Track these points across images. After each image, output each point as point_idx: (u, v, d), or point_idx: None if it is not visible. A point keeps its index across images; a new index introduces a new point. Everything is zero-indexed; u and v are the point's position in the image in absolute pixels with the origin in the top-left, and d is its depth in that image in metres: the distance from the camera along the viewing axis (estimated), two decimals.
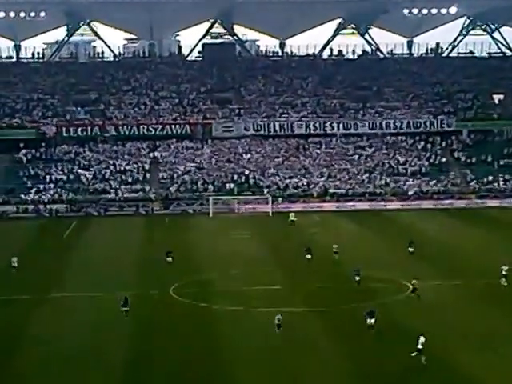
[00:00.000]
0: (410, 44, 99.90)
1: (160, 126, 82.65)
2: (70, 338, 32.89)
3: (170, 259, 45.68)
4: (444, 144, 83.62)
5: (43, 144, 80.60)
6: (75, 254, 51.66)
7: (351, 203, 72.66)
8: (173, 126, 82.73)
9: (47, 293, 40.68)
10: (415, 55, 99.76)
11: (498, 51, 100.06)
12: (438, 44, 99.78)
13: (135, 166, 78.27)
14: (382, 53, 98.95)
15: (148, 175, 77.18)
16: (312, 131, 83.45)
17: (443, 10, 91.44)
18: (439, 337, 31.77)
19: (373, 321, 32.14)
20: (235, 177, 76.39)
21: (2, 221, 68.84)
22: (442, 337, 31.94)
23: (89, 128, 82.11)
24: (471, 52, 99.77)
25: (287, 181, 76.15)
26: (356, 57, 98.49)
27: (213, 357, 30.14)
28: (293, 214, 63.70)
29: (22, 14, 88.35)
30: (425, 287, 39.54)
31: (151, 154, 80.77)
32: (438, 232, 58.79)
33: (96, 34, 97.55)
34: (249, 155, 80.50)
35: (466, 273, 43.54)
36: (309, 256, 45.94)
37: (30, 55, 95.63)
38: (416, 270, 44.23)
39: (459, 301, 38.16)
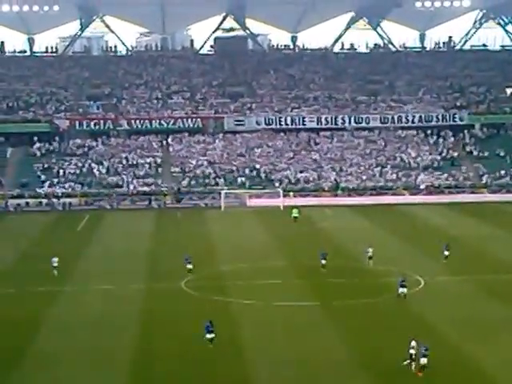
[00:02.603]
0: (422, 37, 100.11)
1: (172, 120, 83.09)
2: (83, 328, 33.38)
3: (190, 266, 42.59)
4: (456, 138, 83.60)
5: (56, 138, 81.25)
6: (88, 247, 52.07)
7: (362, 197, 72.83)
8: (185, 120, 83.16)
9: (61, 285, 41.07)
10: (427, 49, 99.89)
11: (511, 44, 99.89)
12: (450, 37, 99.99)
13: (147, 159, 78.73)
14: (394, 46, 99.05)
15: (160, 169, 77.62)
16: (323, 125, 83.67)
17: (456, 3, 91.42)
18: (452, 330, 32.26)
19: (425, 361, 27.54)
20: (247, 171, 76.75)
21: (17, 214, 69.50)
22: (454, 330, 32.35)
23: (102, 122, 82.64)
24: (484, 45, 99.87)
25: (298, 175, 76.44)
26: (368, 50, 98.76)
27: (226, 348, 30.39)
28: (296, 209, 62.32)
29: (36, 8, 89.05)
30: (435, 282, 39.86)
31: (163, 148, 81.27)
32: (449, 226, 58.70)
33: (109, 28, 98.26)
34: (260, 149, 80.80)
35: (477, 267, 43.80)
36: (324, 261, 43.04)
37: (43, 49, 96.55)
38: (427, 263, 44.64)
39: (467, 295, 38.41)
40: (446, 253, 45.23)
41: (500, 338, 31.11)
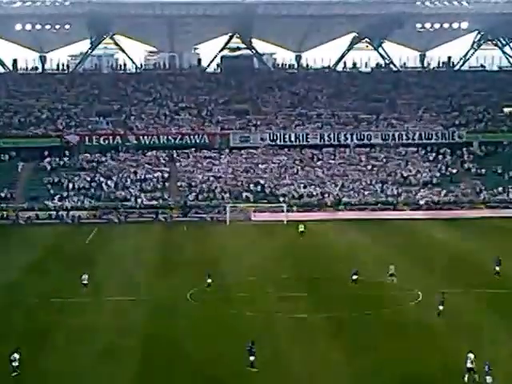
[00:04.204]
0: (422, 58, 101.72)
1: (179, 136, 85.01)
2: (89, 340, 34.14)
3: (210, 280, 43.41)
4: (455, 155, 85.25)
5: (67, 152, 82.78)
6: (96, 259, 52.79)
7: (364, 212, 74.61)
8: (192, 136, 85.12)
9: (70, 296, 41.64)
10: (427, 69, 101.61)
11: (508, 65, 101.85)
12: (449, 58, 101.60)
13: (155, 174, 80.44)
14: (395, 66, 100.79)
15: (167, 183, 79.32)
16: (326, 142, 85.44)
17: (455, 25, 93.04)
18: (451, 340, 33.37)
19: (491, 379, 27.02)
20: (251, 186, 78.56)
21: (27, 226, 70.96)
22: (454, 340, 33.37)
23: (111, 137, 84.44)
24: (482, 66, 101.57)
25: (302, 190, 78.27)
26: (370, 70, 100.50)
27: (229, 359, 30.74)
28: (302, 225, 63.03)
29: (48, 27, 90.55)
30: (433, 295, 40.69)
31: (171, 163, 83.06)
32: (448, 241, 60.16)
33: (119, 47, 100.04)
34: (265, 165, 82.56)
35: (475, 281, 44.56)
36: (355, 277, 43.60)
37: (54, 67, 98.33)
38: (426, 277, 45.64)
39: (466, 308, 38.91)
40: (497, 268, 45.31)
41: (499, 350, 31.37)
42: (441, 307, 36.86)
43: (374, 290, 42.84)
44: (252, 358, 29.30)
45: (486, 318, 37.08)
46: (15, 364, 29.51)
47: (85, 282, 42.61)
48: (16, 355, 29.50)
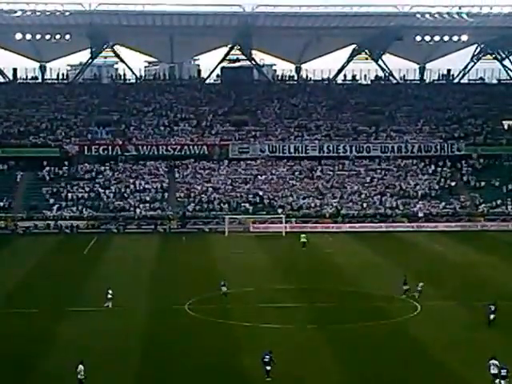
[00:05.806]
0: (422, 70, 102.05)
1: (179, 147, 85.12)
2: (87, 348, 33.96)
3: (225, 289, 43.47)
4: (454, 168, 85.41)
5: (66, 162, 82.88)
6: (95, 269, 52.99)
7: (363, 224, 74.66)
8: (191, 147, 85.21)
9: (68, 306, 41.75)
10: (427, 81, 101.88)
11: (508, 78, 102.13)
12: (449, 70, 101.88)
13: (154, 185, 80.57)
14: (394, 78, 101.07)
15: (166, 194, 79.44)
16: (325, 153, 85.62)
17: (455, 38, 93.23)
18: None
19: None
20: (250, 197, 78.67)
21: (25, 236, 71.10)
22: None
23: (110, 147, 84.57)
24: (481, 78, 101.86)
25: (301, 201, 78.34)
26: (369, 82, 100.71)
27: (227, 369, 30.78)
28: (304, 235, 63.45)
29: (48, 37, 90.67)
30: (431, 307, 41.16)
31: (170, 173, 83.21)
32: (446, 253, 60.29)
33: (118, 57, 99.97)
34: (264, 176, 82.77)
35: (473, 293, 44.77)
36: (406, 286, 43.38)
37: (54, 76, 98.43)
38: (424, 289, 45.19)
39: (463, 320, 38.94)
40: None
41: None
42: (492, 316, 36.93)
43: (374, 301, 42.87)
44: (268, 368, 29.37)
45: (486, 332, 37.03)
46: (81, 377, 28.25)
47: (109, 296, 41.91)
48: (81, 366, 28.40)
